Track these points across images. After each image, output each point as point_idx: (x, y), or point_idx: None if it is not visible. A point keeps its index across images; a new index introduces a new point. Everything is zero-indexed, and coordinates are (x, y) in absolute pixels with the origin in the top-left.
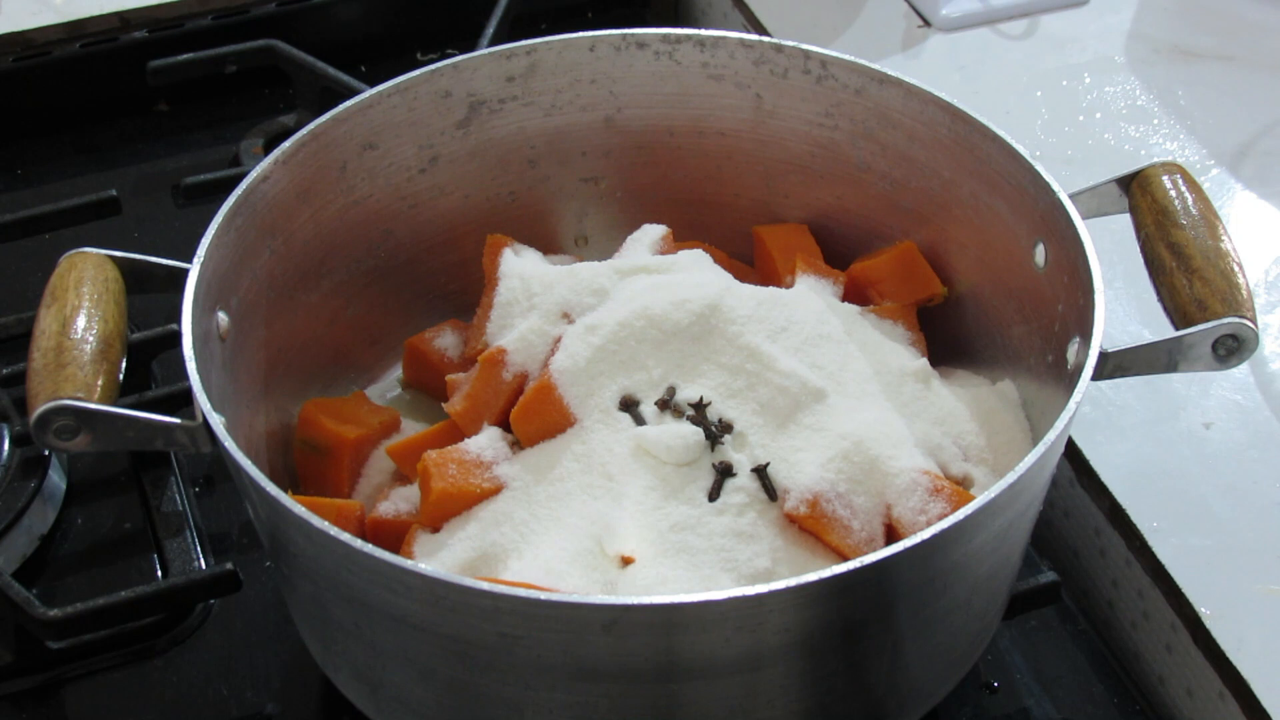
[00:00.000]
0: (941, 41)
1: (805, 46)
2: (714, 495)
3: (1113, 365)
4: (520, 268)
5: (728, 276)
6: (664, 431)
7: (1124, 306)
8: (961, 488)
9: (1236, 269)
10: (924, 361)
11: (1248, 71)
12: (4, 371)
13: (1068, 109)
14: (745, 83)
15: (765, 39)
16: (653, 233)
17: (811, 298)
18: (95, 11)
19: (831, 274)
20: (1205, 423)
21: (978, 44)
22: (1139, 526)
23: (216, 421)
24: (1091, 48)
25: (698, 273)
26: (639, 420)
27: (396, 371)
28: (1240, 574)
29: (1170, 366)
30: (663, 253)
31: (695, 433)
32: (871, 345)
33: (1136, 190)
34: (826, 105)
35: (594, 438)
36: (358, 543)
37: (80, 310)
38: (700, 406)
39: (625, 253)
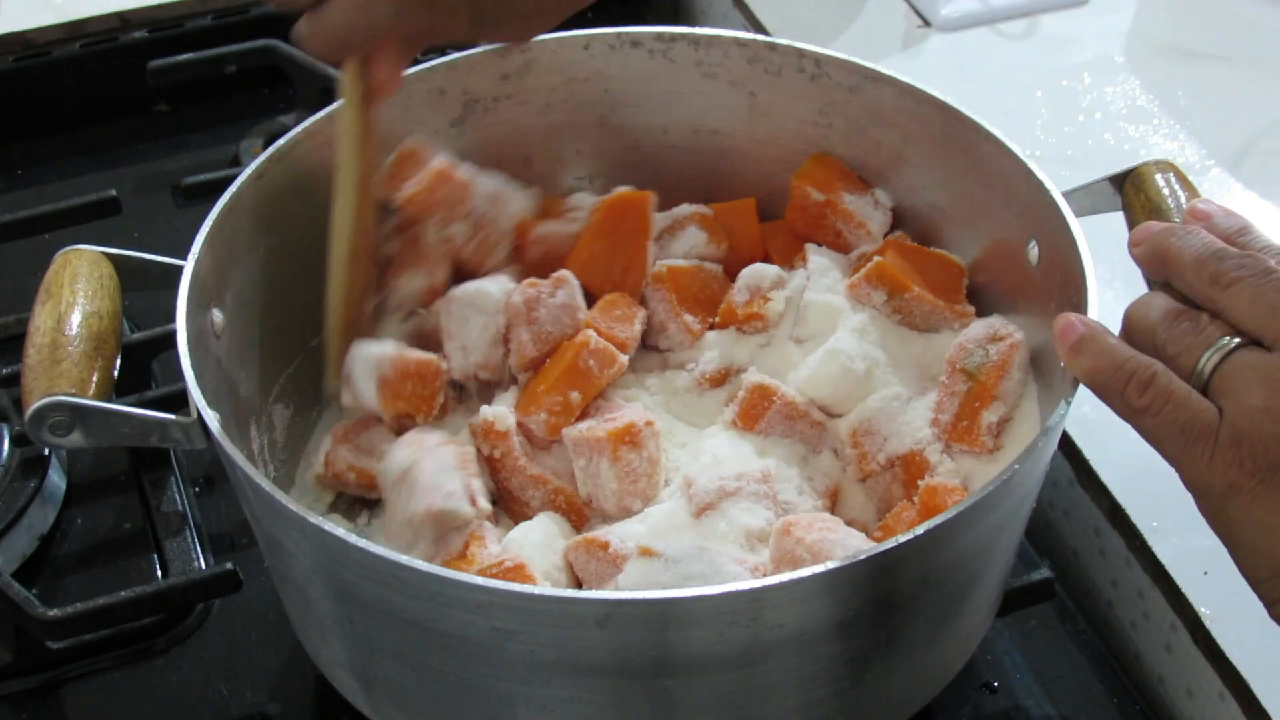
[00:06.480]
0: (941, 41)
1: (799, 45)
2: None
3: None
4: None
5: None
6: None
7: (1122, 306)
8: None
9: None
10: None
11: (1248, 71)
12: (4, 372)
13: (1067, 109)
14: (739, 81)
15: (759, 37)
16: None
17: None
18: (95, 11)
19: (841, 248)
20: None
21: (977, 44)
22: (1139, 526)
23: (211, 417)
24: (1091, 48)
25: None
26: None
27: None
28: (1240, 574)
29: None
30: None
31: None
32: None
33: (1130, 188)
34: (821, 103)
35: None
36: (351, 537)
37: (75, 307)
38: None
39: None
